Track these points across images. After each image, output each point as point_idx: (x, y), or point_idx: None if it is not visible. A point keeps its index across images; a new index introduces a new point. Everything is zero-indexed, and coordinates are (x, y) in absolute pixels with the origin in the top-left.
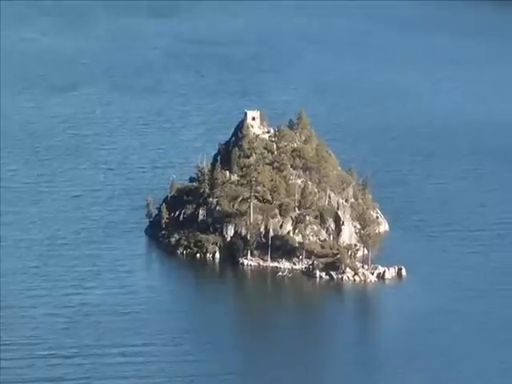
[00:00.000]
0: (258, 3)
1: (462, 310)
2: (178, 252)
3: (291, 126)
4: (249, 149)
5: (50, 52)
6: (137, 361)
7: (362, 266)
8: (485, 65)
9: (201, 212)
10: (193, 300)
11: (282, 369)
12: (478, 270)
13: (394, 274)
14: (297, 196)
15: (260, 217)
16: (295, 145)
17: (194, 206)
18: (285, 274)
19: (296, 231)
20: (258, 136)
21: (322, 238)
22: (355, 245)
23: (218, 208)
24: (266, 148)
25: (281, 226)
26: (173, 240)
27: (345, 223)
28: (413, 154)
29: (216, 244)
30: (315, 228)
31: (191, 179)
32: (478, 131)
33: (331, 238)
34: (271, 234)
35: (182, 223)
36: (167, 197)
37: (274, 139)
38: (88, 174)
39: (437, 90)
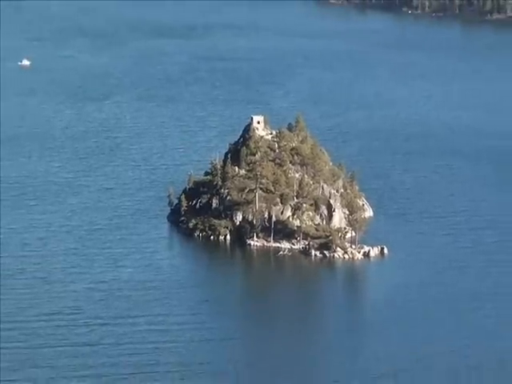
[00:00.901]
0: (262, 28)
1: (436, 282)
2: (195, 235)
3: (290, 128)
4: (254, 148)
5: (87, 67)
6: (160, 328)
7: (351, 246)
8: (453, 78)
9: (214, 201)
10: (207, 275)
11: (283, 330)
12: (448, 249)
13: (377, 253)
14: (295, 187)
15: (264, 205)
16: (293, 144)
17: (209, 195)
18: (285, 252)
19: (294, 217)
20: (262, 137)
21: (317, 223)
22: (344, 228)
23: (228, 197)
24: (269, 147)
25: (282, 213)
26: (190, 225)
27: (335, 210)
28: (393, 153)
29: (227, 228)
30: (310, 214)
31: (206, 173)
32: (447, 133)
33: (324, 223)
34: (273, 219)
35: (198, 210)
36: (186, 188)
37: (275, 139)
38: (119, 170)
39: (413, 99)
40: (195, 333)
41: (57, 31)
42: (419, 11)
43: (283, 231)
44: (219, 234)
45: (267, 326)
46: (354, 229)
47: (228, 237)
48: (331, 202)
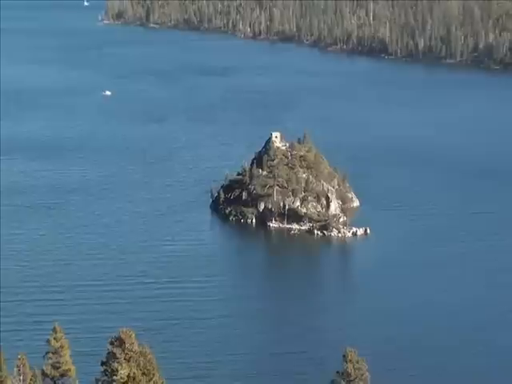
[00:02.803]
0: (278, 68)
1: (408, 254)
2: (230, 219)
3: (299, 142)
4: (273, 155)
5: (152, 97)
6: (200, 286)
7: (343, 227)
8: (418, 105)
9: (243, 194)
10: (238, 249)
11: (291, 292)
12: (418, 231)
13: (362, 232)
14: (302, 184)
15: (280, 197)
16: (302, 153)
17: (240, 190)
18: (295, 232)
19: (302, 206)
20: (278, 148)
21: (318, 210)
22: (338, 214)
23: (254, 191)
24: (283, 155)
25: (293, 203)
26: (226, 211)
27: (332, 201)
28: (375, 162)
29: (253, 214)
30: (314, 204)
31: (238, 174)
32: (416, 147)
33: (324, 210)
34: (287, 207)
35: (232, 201)
36: (223, 185)
37: (288, 149)
38: (175, 171)
39: (391, 123)
40: (225, 292)
41: (131, 71)
42: (393, 57)
43: (294, 216)
44: (247, 218)
45: (281, 285)
46: (345, 215)
47: (254, 220)
48: (329, 195)
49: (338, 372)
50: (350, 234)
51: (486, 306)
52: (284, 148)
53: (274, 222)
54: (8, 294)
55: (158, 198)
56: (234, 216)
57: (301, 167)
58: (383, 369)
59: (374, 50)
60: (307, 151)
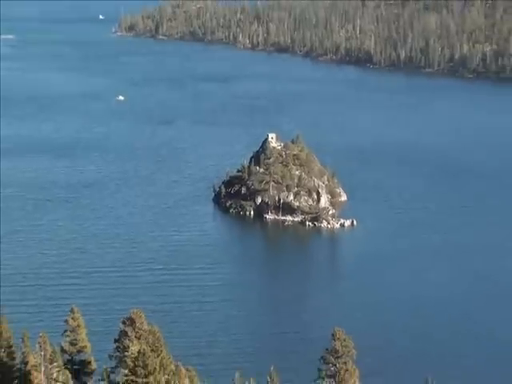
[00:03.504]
0: (274, 76)
1: (390, 244)
2: (230, 211)
3: (293, 142)
4: (269, 154)
5: (161, 102)
6: (203, 272)
7: (332, 219)
8: (399, 109)
9: (243, 189)
10: (237, 239)
11: (285, 278)
12: (400, 223)
13: (349, 224)
14: (296, 180)
15: (275, 191)
16: (295, 152)
17: (239, 185)
18: (289, 223)
19: (295, 200)
20: (274, 148)
21: (310, 204)
22: (328, 207)
23: (252, 186)
24: (278, 154)
25: (287, 197)
26: (227, 204)
27: (322, 195)
28: (359, 160)
29: (251, 206)
30: (306, 198)
31: (238, 171)
32: (395, 148)
33: (314, 204)
34: (281, 201)
35: (232, 195)
36: (224, 180)
37: (283, 149)
38: (181, 169)
39: (376, 124)
40: (224, 275)
41: (142, 78)
42: (377, 66)
43: (288, 209)
44: (246, 211)
45: (276, 271)
46: (334, 208)
47: (251, 213)
48: (319, 190)
49: (327, 349)
50: (338, 225)
51: (465, 292)
52: (279, 148)
53: (269, 214)
54: (30, 279)
55: (165, 192)
56: (234, 209)
57: (294, 165)
58: (368, 347)
59: (361, 60)
60: (300, 150)
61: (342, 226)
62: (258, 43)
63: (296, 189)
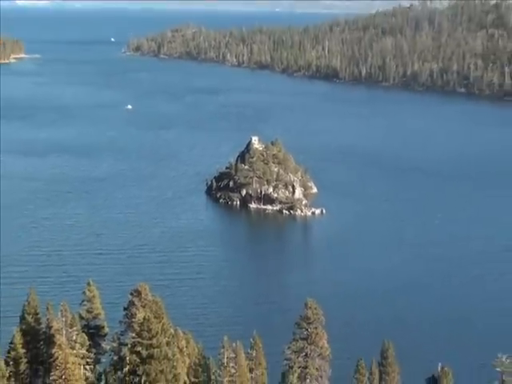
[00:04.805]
0: (257, 90)
1: (354, 229)
2: (220, 202)
3: (272, 144)
4: (253, 154)
5: (161, 111)
6: (197, 253)
7: (305, 208)
8: (363, 117)
9: (230, 183)
10: (226, 224)
11: (266, 257)
12: (362, 211)
13: (319, 212)
14: (274, 175)
15: (258, 185)
16: (274, 152)
17: (228, 180)
18: (269, 211)
19: (274, 192)
20: (257, 148)
21: (286, 195)
22: (301, 198)
23: (238, 181)
24: (261, 154)
25: (267, 189)
26: (217, 196)
27: (296, 188)
28: (331, 160)
29: (237, 198)
30: (283, 190)
31: (226, 168)
32: (361, 148)
33: (290, 195)
34: (263, 193)
35: (221, 188)
36: (215, 176)
37: (264, 150)
38: (178, 167)
39: (341, 129)
40: (214, 257)
41: (146, 91)
42: (342, 80)
43: (268, 200)
44: (233, 201)
45: (259, 252)
46: (306, 199)
47: (238, 203)
48: (294, 184)
49: (300, 316)
50: (309, 214)
51: (410, 269)
52: (261, 148)
53: (253, 203)
54: (54, 258)
55: (165, 186)
56: (223, 199)
57: (273, 163)
58: (335, 315)
59: (329, 75)
60: (278, 151)
61: (313, 214)
62: (243, 61)
63: (275, 183)
